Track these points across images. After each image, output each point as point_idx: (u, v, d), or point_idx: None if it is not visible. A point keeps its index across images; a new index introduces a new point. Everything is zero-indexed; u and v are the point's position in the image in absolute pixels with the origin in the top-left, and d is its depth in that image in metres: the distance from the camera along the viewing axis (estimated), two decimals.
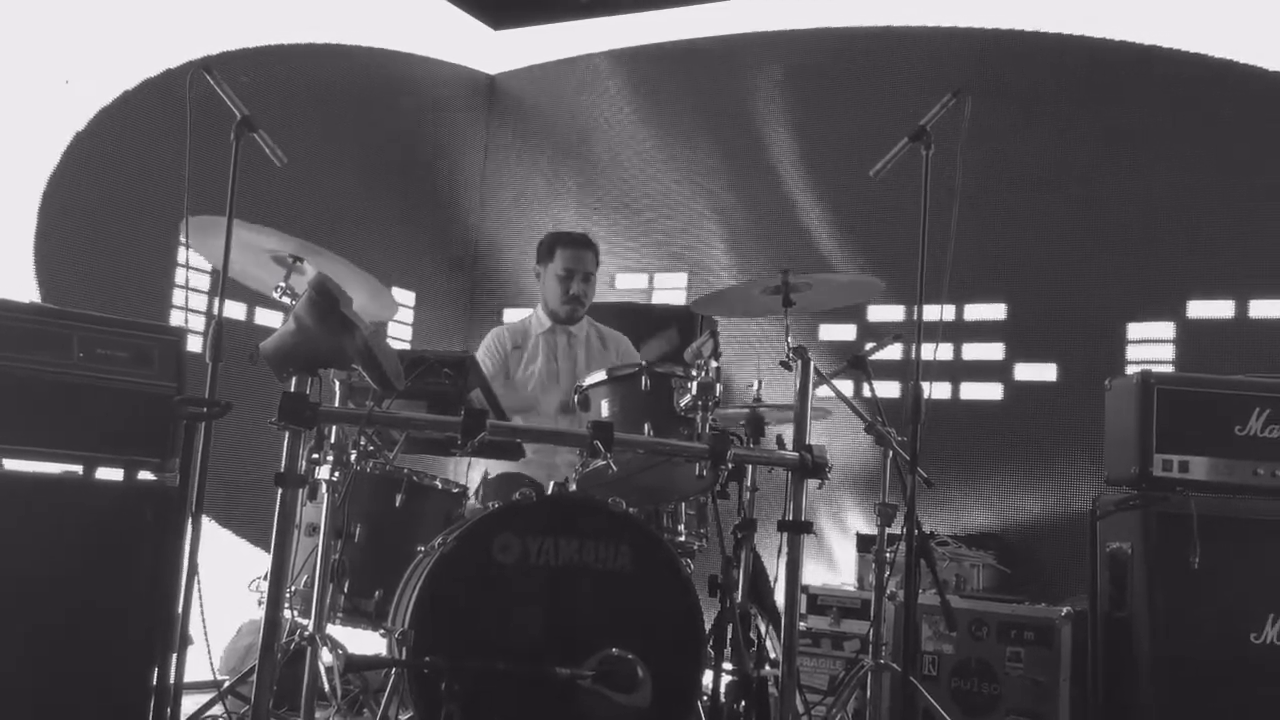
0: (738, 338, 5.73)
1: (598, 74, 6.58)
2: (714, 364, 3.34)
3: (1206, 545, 3.53)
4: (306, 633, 3.21)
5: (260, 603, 2.88)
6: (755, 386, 3.75)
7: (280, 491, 2.74)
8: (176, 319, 4.83)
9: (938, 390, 5.37)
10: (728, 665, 3.06)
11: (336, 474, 3.27)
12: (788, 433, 3.21)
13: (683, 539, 3.63)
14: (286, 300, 3.15)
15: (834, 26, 5.97)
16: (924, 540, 3.41)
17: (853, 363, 4.04)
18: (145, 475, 3.41)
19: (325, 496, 3.24)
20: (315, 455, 3.22)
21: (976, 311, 5.43)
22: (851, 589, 4.77)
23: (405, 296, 6.26)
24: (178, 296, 4.94)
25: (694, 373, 3.29)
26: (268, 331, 2.93)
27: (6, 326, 3.19)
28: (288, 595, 3.28)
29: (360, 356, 2.82)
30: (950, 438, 5.26)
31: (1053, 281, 5.31)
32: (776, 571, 3.39)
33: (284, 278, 3.22)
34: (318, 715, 3.26)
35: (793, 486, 3.10)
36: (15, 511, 3.14)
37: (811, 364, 3.20)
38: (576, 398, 3.52)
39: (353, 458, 3.29)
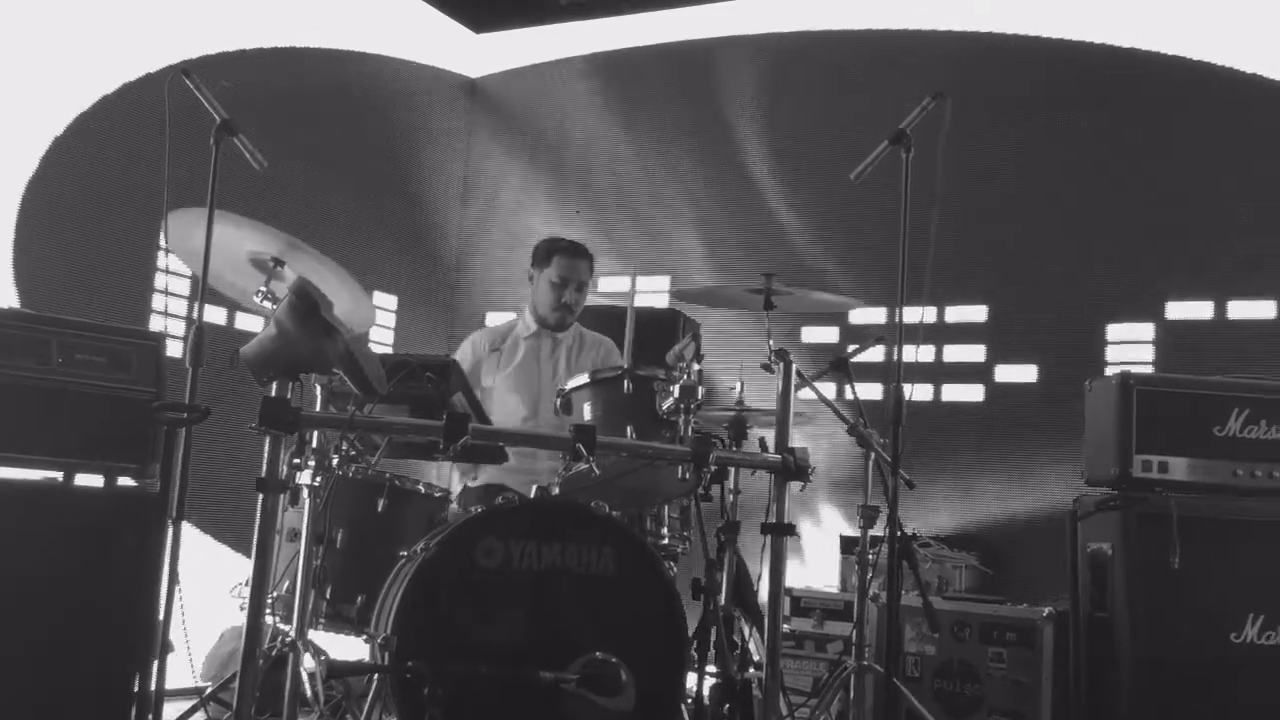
0: (720, 341, 5.73)
1: (579, 77, 6.58)
2: (696, 367, 3.34)
3: (1186, 545, 3.55)
4: (288, 639, 3.20)
5: (242, 609, 2.86)
6: (737, 389, 3.75)
7: (261, 497, 2.73)
8: (156, 324, 4.81)
9: (919, 392, 5.39)
10: (711, 668, 3.06)
11: (318, 479, 3.26)
12: (770, 435, 3.22)
13: (666, 542, 3.63)
14: (267, 305, 3.13)
15: (813, 30, 5.99)
16: (906, 542, 3.42)
17: (835, 365, 4.05)
18: (125, 481, 3.39)
19: (307, 502, 3.23)
20: (297, 460, 3.20)
21: (958, 313, 5.45)
22: (835, 591, 4.77)
23: (387, 300, 6.24)
24: (158, 301, 4.92)
25: (676, 376, 3.29)
26: (248, 336, 2.92)
27: None
28: (269, 601, 3.27)
29: (341, 361, 2.81)
30: (932, 439, 5.28)
31: (1033, 283, 5.34)
32: (760, 573, 3.39)
33: (264, 283, 3.20)
34: None
35: (775, 489, 3.11)
36: None
37: (793, 366, 3.21)
38: (558, 401, 3.51)
39: (334, 463, 3.28)
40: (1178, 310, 5.06)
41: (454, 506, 3.79)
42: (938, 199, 3.29)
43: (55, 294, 4.55)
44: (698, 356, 3.60)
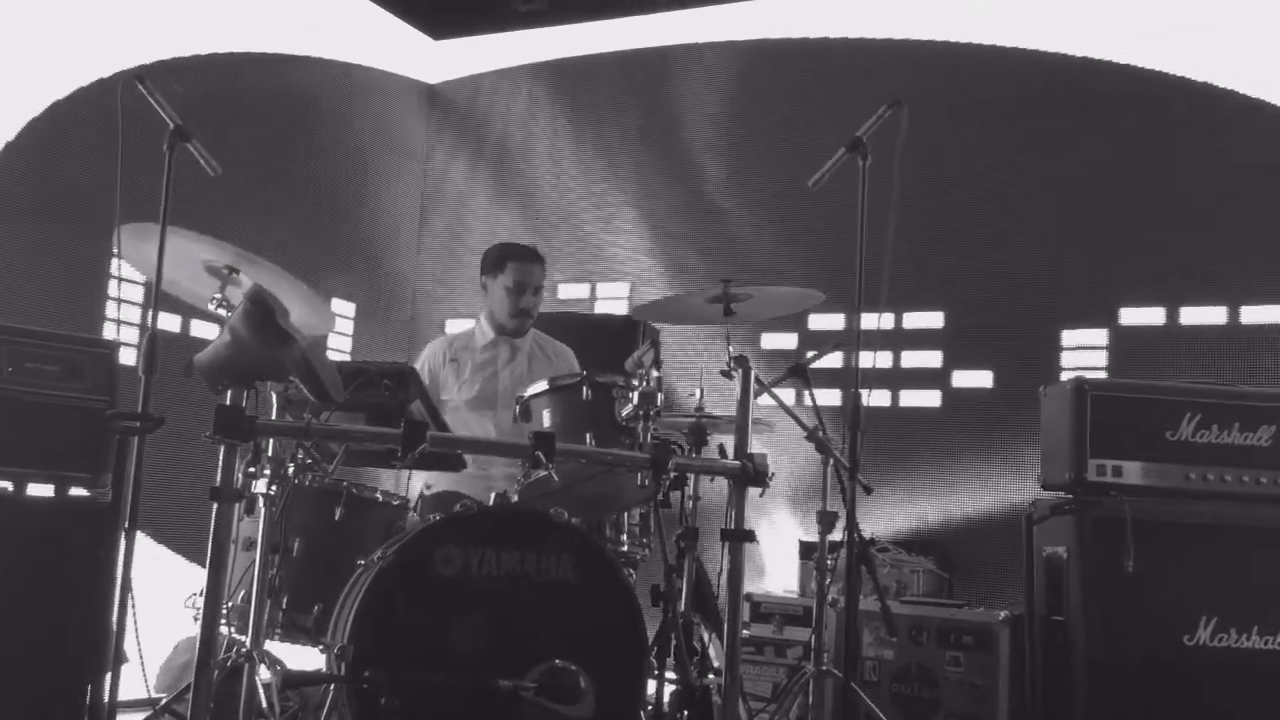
0: (679, 347, 5.75)
1: (538, 83, 6.58)
2: (655, 374, 3.34)
3: (1140, 549, 3.59)
4: (244, 649, 3.16)
5: (197, 619, 2.83)
6: (697, 396, 3.75)
7: (216, 506, 2.70)
8: (109, 332, 4.75)
9: (877, 398, 5.40)
10: (671, 674, 3.06)
11: (274, 488, 3.22)
12: (729, 442, 3.23)
13: (625, 549, 3.63)
14: (222, 312, 3.10)
15: (772, 38, 6.02)
16: (864, 547, 3.44)
17: (793, 371, 4.06)
18: (78, 491, 3.35)
19: (262, 511, 3.19)
20: (252, 469, 3.17)
21: (915, 320, 5.49)
22: (794, 596, 4.79)
23: (345, 308, 6.21)
24: (110, 309, 4.86)
25: (635, 382, 3.29)
26: (203, 344, 2.89)
27: None
28: (224, 611, 3.23)
29: (298, 368, 2.79)
30: (889, 445, 5.31)
31: (989, 290, 5.39)
32: (719, 580, 3.40)
33: (219, 289, 3.17)
34: None
35: (735, 495, 3.11)
36: None
37: (752, 373, 3.22)
38: (518, 408, 3.50)
39: (290, 471, 3.25)
40: (1131, 316, 5.13)
41: (413, 515, 3.77)
42: (894, 206, 3.31)
43: (5, 301, 4.48)
44: (657, 363, 3.61)
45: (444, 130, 6.82)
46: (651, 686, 3.05)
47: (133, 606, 3.03)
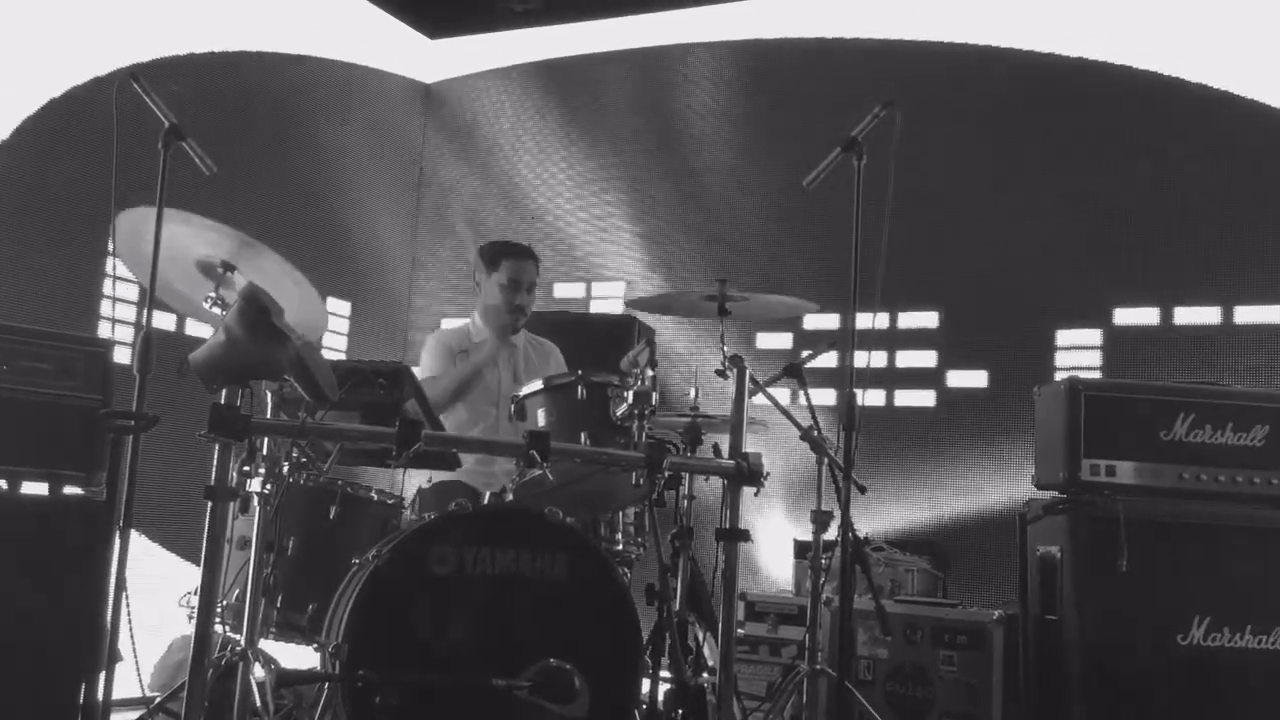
0: (675, 347, 5.75)
1: (534, 82, 6.58)
2: (650, 373, 3.34)
3: (1134, 548, 3.60)
4: (238, 648, 3.16)
5: (191, 618, 2.83)
6: (692, 395, 3.76)
7: (210, 505, 2.70)
8: (104, 330, 4.75)
9: (872, 397, 5.43)
10: (666, 673, 3.06)
11: (269, 487, 3.22)
12: (724, 441, 3.23)
13: (620, 548, 3.63)
14: (216, 311, 3.10)
15: (767, 38, 6.02)
16: (859, 546, 3.44)
17: (788, 371, 4.07)
18: (72, 489, 3.35)
19: (257, 510, 3.19)
20: (246, 468, 3.17)
21: (910, 320, 5.49)
22: (789, 595, 4.79)
23: (340, 307, 6.20)
24: (105, 307, 4.86)
25: (630, 382, 3.29)
26: (197, 342, 2.88)
27: None
28: (219, 610, 3.23)
29: (292, 367, 2.79)
30: (884, 444, 5.32)
31: (984, 290, 5.40)
32: (714, 579, 3.40)
33: (214, 288, 3.17)
34: None
35: (729, 494, 3.11)
36: None
37: (747, 372, 3.22)
38: (513, 407, 3.50)
39: (285, 470, 3.25)
40: (1125, 316, 5.14)
41: (408, 513, 3.77)
42: (888, 206, 3.31)
43: (1, 300, 4.48)
44: (652, 362, 3.60)
45: (439, 129, 6.82)
46: (646, 685, 3.06)
47: (127, 605, 3.03)
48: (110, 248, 3.13)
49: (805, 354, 4.21)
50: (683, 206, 6.07)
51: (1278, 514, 3.72)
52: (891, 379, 5.48)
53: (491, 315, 4.48)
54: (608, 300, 6.16)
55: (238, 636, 3.24)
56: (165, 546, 4.99)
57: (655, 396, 3.29)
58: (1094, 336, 5.17)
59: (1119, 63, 5.27)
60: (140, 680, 3.39)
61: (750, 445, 3.14)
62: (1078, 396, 3.78)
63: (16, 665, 3.14)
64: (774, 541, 5.44)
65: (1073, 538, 3.73)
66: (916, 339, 5.49)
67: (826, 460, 3.77)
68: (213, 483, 2.70)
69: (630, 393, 3.25)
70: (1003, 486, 5.14)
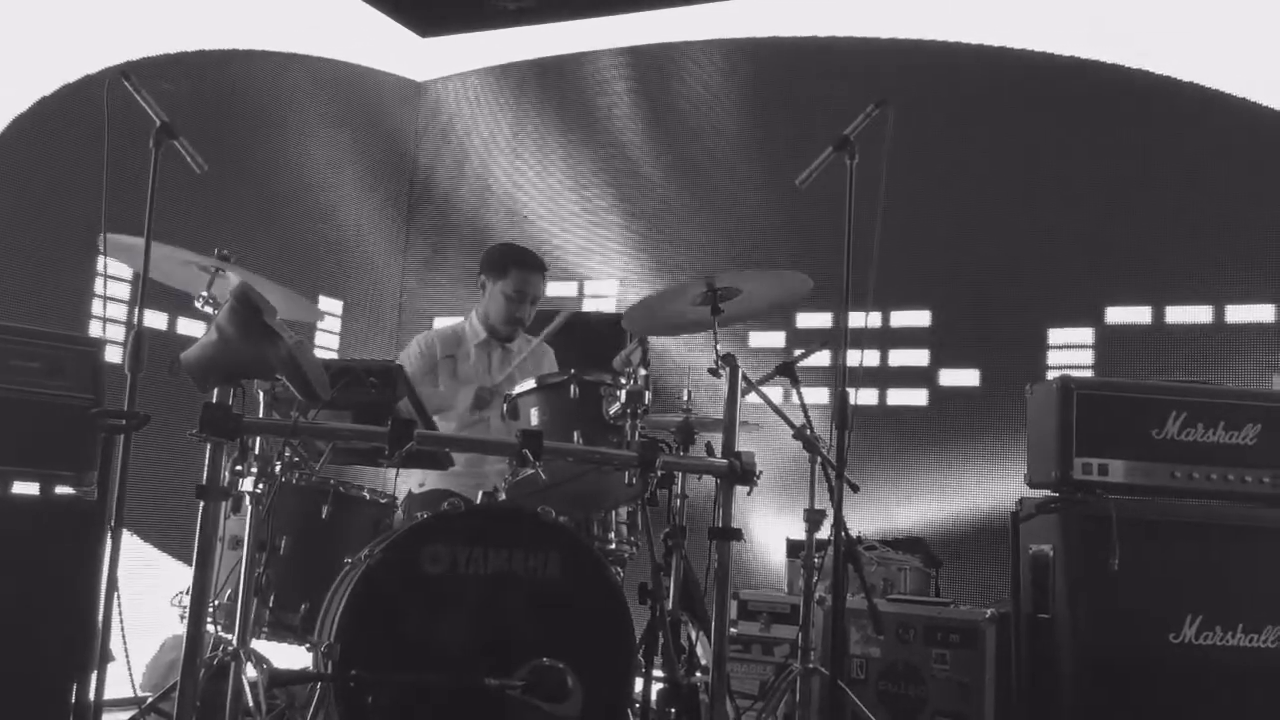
0: (668, 345, 5.75)
1: (526, 81, 6.57)
2: (643, 372, 3.34)
3: (1125, 547, 3.61)
4: (230, 648, 3.15)
5: (183, 618, 2.82)
6: (685, 395, 3.75)
7: (202, 504, 2.69)
8: (95, 329, 4.74)
9: (864, 396, 5.42)
10: (658, 672, 3.06)
11: (261, 486, 3.22)
12: (717, 440, 3.23)
13: (613, 547, 3.63)
14: (209, 309, 3.10)
15: (761, 36, 6.02)
16: (851, 545, 3.45)
17: (781, 369, 4.07)
18: (63, 489, 3.34)
19: (249, 509, 3.19)
20: (239, 467, 3.16)
21: (902, 319, 5.50)
22: (782, 594, 4.79)
23: (332, 305, 6.19)
24: (96, 306, 4.84)
25: (623, 381, 3.29)
26: (189, 341, 2.88)
27: None
28: (211, 610, 3.22)
29: (284, 366, 2.78)
30: (877, 443, 5.32)
31: (976, 289, 5.40)
32: (707, 579, 3.40)
33: (206, 286, 3.16)
34: None
35: (722, 493, 3.11)
36: None
37: (740, 371, 3.22)
38: (505, 406, 3.50)
39: (277, 469, 3.24)
40: (1117, 315, 5.14)
41: (399, 514, 3.76)
42: (880, 204, 3.31)
43: None
44: (645, 362, 3.60)
45: (431, 127, 6.81)
46: (639, 685, 3.05)
47: (118, 605, 3.02)
48: (101, 248, 3.12)
49: (798, 353, 4.22)
50: (677, 205, 6.07)
51: (1269, 513, 3.74)
52: (884, 378, 5.49)
53: (490, 321, 4.47)
54: (600, 299, 6.15)
55: (230, 636, 3.23)
56: (157, 546, 4.97)
57: (648, 395, 3.30)
58: (1086, 335, 5.18)
59: (1112, 62, 5.28)
60: (132, 680, 3.39)
61: (743, 444, 3.14)
62: (1070, 395, 3.79)
63: (8, 665, 3.13)
64: (767, 540, 5.44)
65: (1065, 536, 3.74)
66: (909, 338, 5.49)
67: (819, 459, 3.77)
68: (204, 482, 2.70)
69: (623, 391, 3.25)
70: (995, 485, 5.14)
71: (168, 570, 4.88)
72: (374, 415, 3.24)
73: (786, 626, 4.54)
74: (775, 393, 4.47)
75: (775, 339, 5.72)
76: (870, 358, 5.42)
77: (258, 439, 3.21)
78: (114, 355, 3.81)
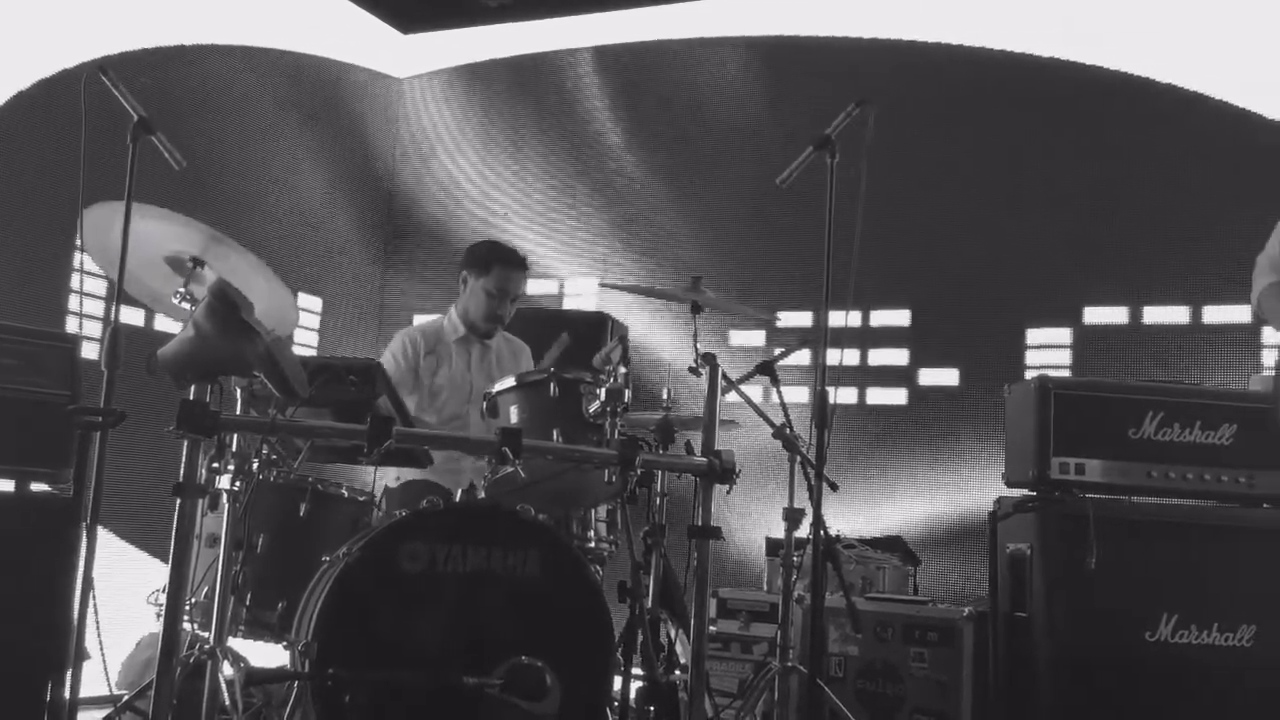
0: (648, 344, 5.75)
1: (507, 79, 6.56)
2: (623, 370, 3.34)
3: (1102, 545, 3.63)
4: (207, 646, 3.14)
5: (159, 616, 2.81)
6: (665, 393, 3.76)
7: (179, 502, 2.68)
8: (71, 325, 4.70)
9: (844, 395, 5.43)
10: (637, 671, 3.06)
11: (238, 483, 3.20)
12: (698, 439, 3.23)
13: (592, 545, 3.62)
14: (186, 306, 3.07)
15: (740, 35, 6.03)
16: (830, 543, 3.45)
17: (761, 368, 4.07)
18: (39, 486, 3.32)
19: (226, 507, 3.17)
20: (216, 465, 3.15)
21: (882, 318, 5.51)
22: (761, 593, 4.80)
23: (312, 303, 6.17)
24: (73, 302, 4.81)
25: (603, 379, 3.29)
26: (166, 338, 2.86)
27: None
28: (187, 608, 3.21)
29: (262, 363, 2.77)
30: (856, 442, 5.34)
31: (955, 288, 5.42)
32: (687, 577, 3.40)
33: (183, 283, 3.14)
34: None
35: (702, 492, 3.11)
36: None
37: (720, 370, 3.22)
38: (485, 404, 3.49)
39: (255, 467, 3.23)
40: (1095, 315, 5.17)
41: (377, 511, 3.75)
42: (860, 204, 3.32)
43: None
44: (625, 360, 3.60)
45: (412, 124, 6.79)
46: (618, 683, 3.05)
47: (94, 603, 3.00)
48: (78, 243, 3.09)
49: (778, 351, 4.22)
50: (658, 203, 6.07)
51: (1245, 512, 3.76)
52: (864, 377, 5.50)
53: (469, 317, 4.46)
54: (580, 297, 6.14)
55: (206, 634, 3.22)
56: (134, 544, 4.94)
57: (628, 393, 3.29)
58: (1064, 335, 5.20)
59: (1091, 63, 5.30)
60: (108, 678, 3.37)
61: (722, 442, 3.14)
62: (1047, 395, 3.81)
63: None
64: (746, 539, 5.45)
65: (1042, 535, 3.76)
66: (889, 337, 5.51)
67: (799, 458, 3.78)
68: (181, 479, 2.68)
69: (603, 389, 3.24)
70: (973, 484, 5.16)
71: (145, 567, 4.86)
72: (353, 413, 3.22)
73: (765, 625, 4.55)
74: (755, 391, 4.48)
75: (755, 338, 5.73)
76: (850, 357, 5.43)
77: (235, 436, 3.19)
78: (91, 352, 3.79)
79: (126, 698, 3.44)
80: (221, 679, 2.98)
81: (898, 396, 5.47)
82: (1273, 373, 4.00)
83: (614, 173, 6.19)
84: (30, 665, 3.20)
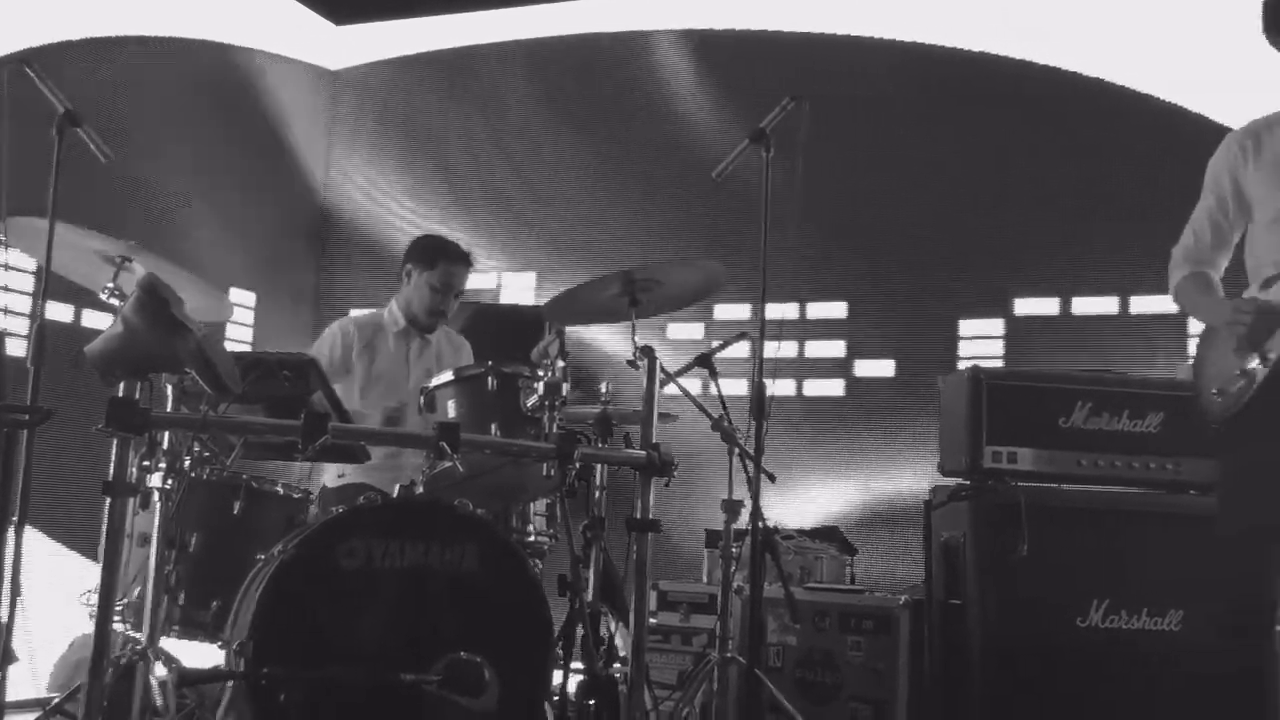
0: (586, 337, 5.74)
1: (442, 71, 6.51)
2: (560, 363, 3.33)
3: (1034, 533, 3.68)
4: (139, 647, 3.09)
5: (92, 616, 2.76)
6: (604, 386, 3.75)
7: (109, 501, 2.63)
8: None
9: (782, 387, 5.47)
10: (577, 664, 3.06)
11: (170, 482, 3.15)
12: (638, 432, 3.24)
13: (532, 539, 3.62)
14: (114, 301, 3.02)
15: (681, 28, 6.03)
16: (768, 534, 3.48)
17: (699, 361, 4.09)
18: None
19: (158, 505, 3.12)
20: (147, 463, 3.09)
21: (819, 310, 5.56)
22: (701, 584, 4.82)
23: (245, 297, 6.08)
24: None
25: (540, 372, 3.28)
26: (94, 334, 2.81)
27: None
28: (119, 608, 3.16)
29: (193, 359, 2.73)
30: (794, 433, 5.37)
31: (890, 281, 5.48)
32: (627, 569, 3.41)
33: (112, 277, 3.09)
34: None
35: (641, 485, 3.12)
36: None
37: (658, 363, 3.22)
38: (422, 399, 3.47)
39: (187, 464, 3.18)
40: (1025, 306, 5.25)
41: (314, 508, 3.71)
42: (797, 198, 3.34)
43: None
44: (563, 353, 3.59)
45: (346, 117, 6.71)
46: (558, 677, 3.05)
47: (22, 605, 2.95)
48: (2, 236, 3.04)
49: (716, 344, 4.24)
50: (594, 198, 6.06)
51: (1173, 499, 3.83)
52: (801, 368, 5.54)
53: (411, 310, 4.43)
54: (519, 292, 6.12)
55: (139, 635, 3.17)
56: (64, 544, 4.85)
57: (566, 387, 3.29)
58: (996, 326, 5.28)
59: (1019, 58, 5.38)
60: (36, 681, 3.31)
61: (661, 435, 3.15)
62: (979, 386, 3.86)
63: None
64: (686, 531, 5.46)
65: (975, 523, 3.81)
66: (825, 329, 5.55)
67: (737, 449, 3.80)
68: (111, 478, 2.64)
69: (541, 383, 3.24)
70: (909, 474, 5.22)
71: (76, 568, 4.77)
72: (288, 408, 3.18)
73: (706, 616, 4.57)
74: (694, 384, 4.50)
75: (694, 330, 5.74)
76: (788, 349, 5.46)
77: (166, 434, 3.14)
78: (16, 348, 3.71)
79: (56, 700, 3.38)
80: (154, 680, 2.94)
81: (835, 388, 5.52)
82: None
83: (551, 166, 6.17)
84: None
